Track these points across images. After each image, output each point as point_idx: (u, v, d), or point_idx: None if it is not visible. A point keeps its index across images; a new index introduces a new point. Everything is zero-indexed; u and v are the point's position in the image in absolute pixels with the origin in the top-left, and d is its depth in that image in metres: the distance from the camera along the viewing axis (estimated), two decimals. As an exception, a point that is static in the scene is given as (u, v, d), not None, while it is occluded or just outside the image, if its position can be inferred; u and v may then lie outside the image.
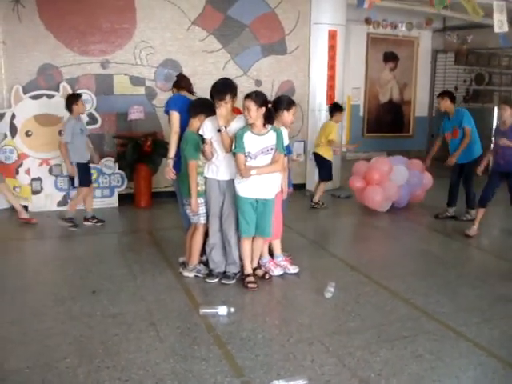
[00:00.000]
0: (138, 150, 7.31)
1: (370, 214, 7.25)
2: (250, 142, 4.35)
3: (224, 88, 4.46)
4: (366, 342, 3.68)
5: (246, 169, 4.36)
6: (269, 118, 4.41)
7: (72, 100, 6.24)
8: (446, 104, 7.02)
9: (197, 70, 7.67)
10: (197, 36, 7.93)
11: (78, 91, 7.17)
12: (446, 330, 3.90)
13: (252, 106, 4.27)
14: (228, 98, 4.41)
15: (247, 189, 4.45)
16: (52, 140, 7.12)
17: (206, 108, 4.55)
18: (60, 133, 7.09)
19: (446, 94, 7.15)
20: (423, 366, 3.39)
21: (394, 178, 7.36)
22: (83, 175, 6.36)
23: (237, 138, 4.35)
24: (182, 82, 5.23)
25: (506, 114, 6.16)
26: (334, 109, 7.66)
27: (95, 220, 6.63)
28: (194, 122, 4.61)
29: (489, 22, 9.00)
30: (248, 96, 4.32)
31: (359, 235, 6.67)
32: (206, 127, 4.53)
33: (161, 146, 7.21)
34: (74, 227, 6.39)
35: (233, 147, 4.37)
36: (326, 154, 7.63)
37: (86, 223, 6.59)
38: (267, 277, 4.84)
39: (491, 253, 5.97)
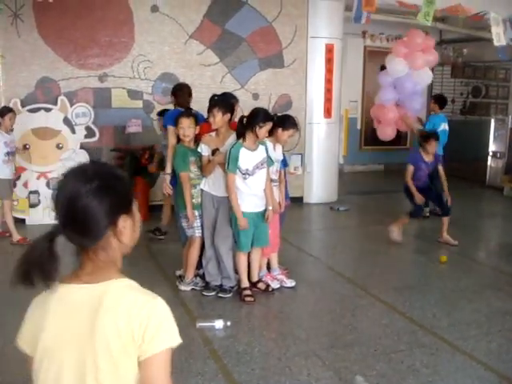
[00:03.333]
0: (136, 163, 7.32)
1: (367, 227, 7.25)
2: (246, 158, 4.36)
3: (214, 101, 4.54)
4: (362, 356, 3.68)
5: (244, 221, 4.43)
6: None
7: None
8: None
9: (194, 84, 7.69)
10: (194, 50, 7.97)
11: (76, 105, 7.24)
12: (442, 343, 3.90)
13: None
14: (215, 110, 4.44)
15: (248, 204, 4.47)
16: (50, 153, 7.15)
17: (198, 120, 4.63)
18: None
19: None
20: (420, 380, 3.38)
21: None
22: None
23: (231, 158, 4.31)
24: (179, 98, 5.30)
25: None
26: None
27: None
28: None
29: (485, 35, 9.09)
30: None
31: (356, 248, 6.66)
32: (204, 147, 4.56)
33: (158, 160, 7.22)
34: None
35: (225, 166, 4.36)
36: None
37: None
38: (270, 289, 4.81)
39: (487, 265, 5.97)
